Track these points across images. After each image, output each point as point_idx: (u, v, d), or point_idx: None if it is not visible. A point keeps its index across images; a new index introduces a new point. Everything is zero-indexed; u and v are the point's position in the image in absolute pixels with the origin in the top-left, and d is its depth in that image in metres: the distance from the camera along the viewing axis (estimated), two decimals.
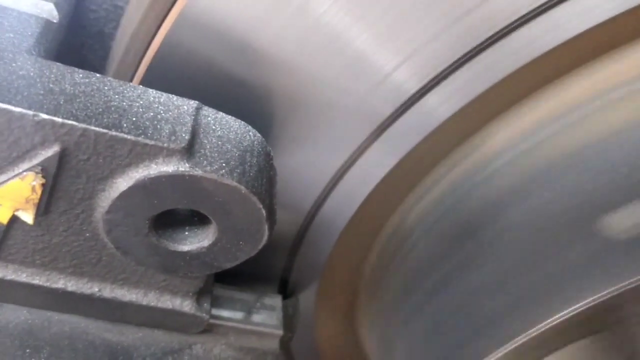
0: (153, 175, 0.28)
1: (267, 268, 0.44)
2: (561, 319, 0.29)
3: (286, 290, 0.46)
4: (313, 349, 0.49)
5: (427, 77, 0.34)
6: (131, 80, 0.33)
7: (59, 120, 0.26)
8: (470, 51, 0.32)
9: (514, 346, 0.30)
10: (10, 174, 0.28)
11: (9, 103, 0.26)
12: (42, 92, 0.27)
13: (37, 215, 0.29)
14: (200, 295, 0.36)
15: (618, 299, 0.28)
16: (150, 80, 0.32)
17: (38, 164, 0.27)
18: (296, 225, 0.42)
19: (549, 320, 0.29)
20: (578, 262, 0.30)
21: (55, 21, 0.33)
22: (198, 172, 0.28)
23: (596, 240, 0.31)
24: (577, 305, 0.28)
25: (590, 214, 0.31)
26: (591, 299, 0.28)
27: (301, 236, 0.43)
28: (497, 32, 0.32)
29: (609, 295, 0.28)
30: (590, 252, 0.30)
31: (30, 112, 0.26)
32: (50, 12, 0.33)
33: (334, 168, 0.38)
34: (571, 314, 0.28)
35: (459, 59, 0.33)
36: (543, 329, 0.29)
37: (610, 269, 0.29)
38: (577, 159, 0.34)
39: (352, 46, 0.32)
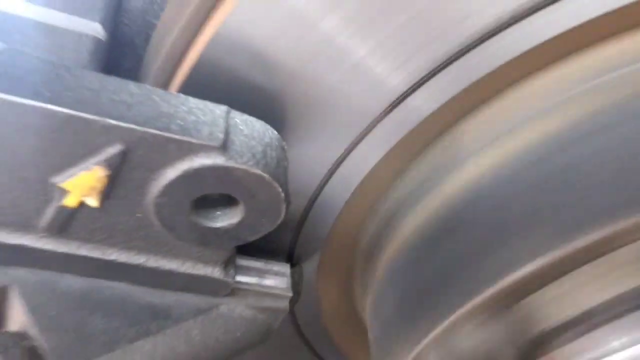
0: (196, 167, 0.35)
1: (277, 242, 0.51)
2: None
3: (292, 260, 0.53)
4: (315, 310, 0.57)
5: (414, 79, 0.41)
6: (167, 87, 0.40)
7: (123, 124, 0.33)
8: (451, 57, 0.39)
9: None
10: (80, 167, 0.35)
11: (84, 111, 0.32)
12: (106, 101, 0.33)
13: (100, 200, 0.36)
14: (226, 264, 0.43)
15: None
16: (185, 87, 0.39)
17: (104, 160, 0.34)
18: (300, 206, 0.49)
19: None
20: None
21: (102, 39, 0.39)
22: (231, 163, 0.35)
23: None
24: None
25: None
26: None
27: (305, 216, 0.50)
28: (473, 42, 0.39)
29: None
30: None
31: (100, 119, 0.33)
32: (98, 30, 0.39)
33: (333, 158, 0.45)
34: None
35: (442, 63, 0.40)
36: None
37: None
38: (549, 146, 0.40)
39: (353, 57, 0.39)
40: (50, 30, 0.37)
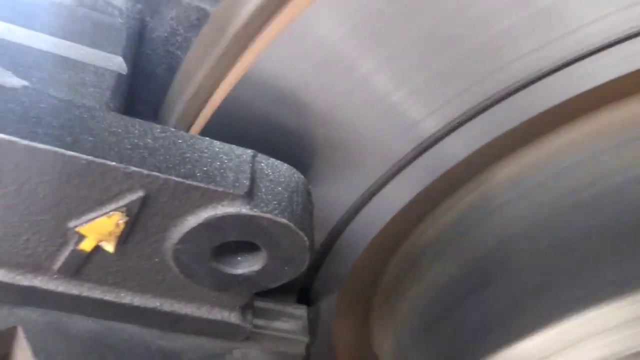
0: (219, 215, 0.33)
1: (294, 279, 0.49)
2: None
3: (309, 298, 0.52)
4: (329, 350, 0.55)
5: (448, 124, 0.39)
6: (190, 127, 0.38)
7: (145, 171, 0.31)
8: (486, 105, 0.38)
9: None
10: (99, 212, 0.33)
11: (105, 158, 0.31)
12: (129, 147, 0.32)
13: (117, 246, 0.34)
14: (244, 308, 0.41)
15: None
16: (209, 129, 0.37)
17: (124, 205, 0.33)
18: (321, 245, 0.47)
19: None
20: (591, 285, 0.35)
21: (124, 73, 0.38)
22: (257, 212, 0.34)
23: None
24: None
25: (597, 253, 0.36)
26: None
27: (325, 254, 0.48)
28: (508, 92, 0.37)
29: None
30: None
31: (122, 165, 0.31)
32: (120, 65, 0.38)
33: (358, 198, 0.44)
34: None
35: (477, 111, 0.38)
36: None
37: None
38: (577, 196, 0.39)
39: (387, 100, 0.37)
40: (71, 65, 0.36)
